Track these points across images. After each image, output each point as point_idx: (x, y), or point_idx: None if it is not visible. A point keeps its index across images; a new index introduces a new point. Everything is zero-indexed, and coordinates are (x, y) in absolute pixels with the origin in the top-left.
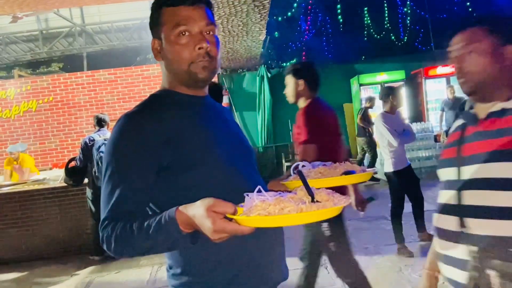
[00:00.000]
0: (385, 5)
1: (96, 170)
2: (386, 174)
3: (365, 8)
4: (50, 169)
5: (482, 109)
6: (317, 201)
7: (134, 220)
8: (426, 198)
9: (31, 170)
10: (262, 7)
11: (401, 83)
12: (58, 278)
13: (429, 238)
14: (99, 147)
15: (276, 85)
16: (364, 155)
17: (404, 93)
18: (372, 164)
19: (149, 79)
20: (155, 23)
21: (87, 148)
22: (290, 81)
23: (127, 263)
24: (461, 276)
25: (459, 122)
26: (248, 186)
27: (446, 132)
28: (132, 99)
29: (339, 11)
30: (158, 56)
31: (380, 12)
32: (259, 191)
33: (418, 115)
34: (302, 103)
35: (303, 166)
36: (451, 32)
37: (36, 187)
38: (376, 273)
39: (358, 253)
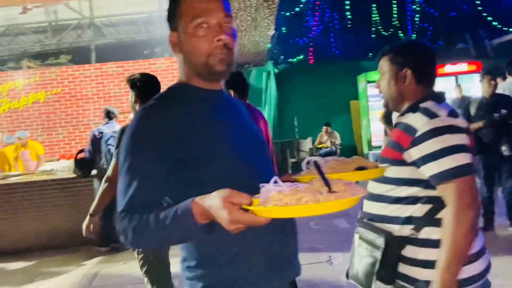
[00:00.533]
0: (394, 2)
1: (104, 162)
2: None
3: (374, 5)
4: (58, 160)
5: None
6: (334, 192)
7: (151, 212)
8: None
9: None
10: (271, 2)
11: None
12: (65, 268)
13: None
14: (107, 139)
15: (283, 81)
16: None
17: None
18: None
19: (156, 72)
20: (173, 15)
21: (96, 140)
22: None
23: (134, 254)
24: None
25: None
26: (262, 180)
27: None
28: None
29: (347, 7)
30: (176, 48)
31: (388, 9)
32: (276, 182)
33: None
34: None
35: (315, 161)
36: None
37: (44, 177)
38: None
39: None
